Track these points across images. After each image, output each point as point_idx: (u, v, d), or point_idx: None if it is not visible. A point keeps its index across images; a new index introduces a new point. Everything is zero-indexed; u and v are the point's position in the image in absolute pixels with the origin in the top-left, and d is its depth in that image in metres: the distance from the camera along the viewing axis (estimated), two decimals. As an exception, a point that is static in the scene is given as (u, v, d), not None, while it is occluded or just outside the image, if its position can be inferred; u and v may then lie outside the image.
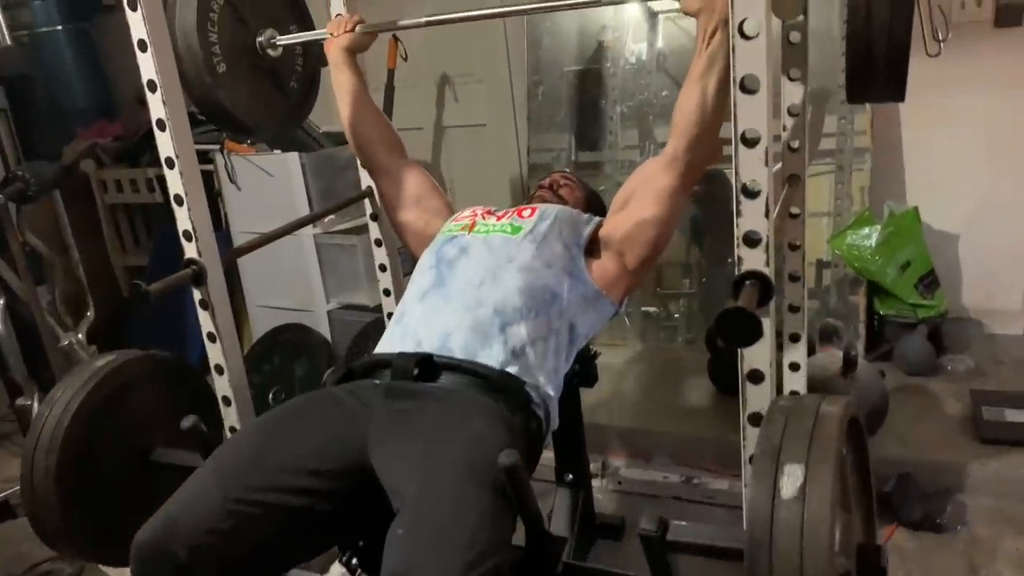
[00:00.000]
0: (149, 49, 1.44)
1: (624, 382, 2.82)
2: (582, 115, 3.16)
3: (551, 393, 1.41)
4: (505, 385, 1.34)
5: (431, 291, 1.49)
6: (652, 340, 3.07)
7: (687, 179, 1.46)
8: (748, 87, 1.08)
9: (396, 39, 3.02)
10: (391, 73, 3.10)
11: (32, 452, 1.41)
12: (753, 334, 1.02)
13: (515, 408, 1.33)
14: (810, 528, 0.84)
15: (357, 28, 1.74)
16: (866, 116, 2.68)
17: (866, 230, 2.65)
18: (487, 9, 1.74)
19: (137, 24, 1.43)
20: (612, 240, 1.55)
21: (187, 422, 1.35)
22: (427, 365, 1.35)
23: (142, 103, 1.52)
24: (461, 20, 1.66)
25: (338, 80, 1.77)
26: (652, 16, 3.03)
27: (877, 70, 1.19)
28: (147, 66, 1.46)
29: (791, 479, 0.87)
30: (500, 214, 1.63)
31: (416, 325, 1.45)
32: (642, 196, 1.51)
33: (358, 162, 1.95)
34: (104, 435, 1.47)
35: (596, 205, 1.81)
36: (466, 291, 1.45)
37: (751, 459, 1.12)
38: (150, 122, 1.50)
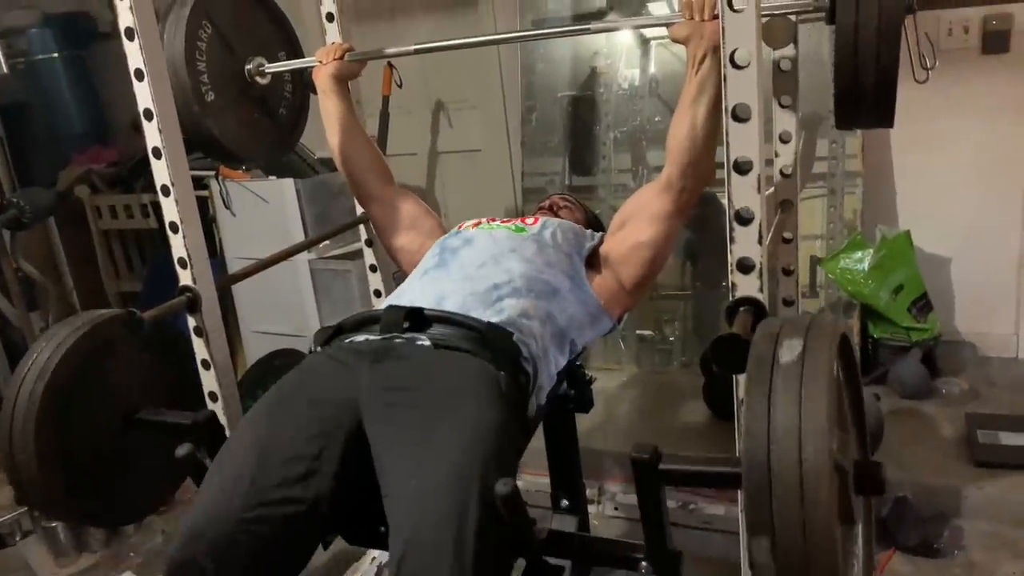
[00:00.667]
0: (146, 78, 1.45)
1: (620, 406, 2.82)
2: (576, 140, 3.19)
3: (541, 358, 1.38)
4: (493, 336, 1.32)
5: (432, 269, 1.53)
6: (647, 364, 3.07)
7: (682, 203, 1.48)
8: (740, 116, 1.09)
9: (391, 66, 3.04)
10: (386, 100, 3.12)
11: (12, 407, 1.36)
12: (747, 360, 1.02)
13: (503, 362, 1.30)
14: (808, 438, 0.81)
15: (346, 56, 1.75)
16: (857, 140, 2.71)
17: (859, 254, 2.66)
18: (477, 36, 1.77)
19: (134, 54, 1.44)
20: (609, 260, 1.57)
21: (182, 450, 1.34)
22: (417, 317, 1.35)
23: (137, 129, 1.53)
24: (450, 48, 1.68)
25: (326, 107, 1.78)
26: (644, 42, 3.06)
27: (865, 98, 1.20)
28: (143, 95, 1.47)
29: (786, 395, 0.85)
30: (504, 220, 1.67)
31: (413, 294, 1.46)
32: (638, 219, 1.53)
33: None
34: (86, 391, 1.43)
35: (595, 225, 1.82)
36: (467, 268, 1.49)
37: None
38: (145, 148, 1.51)
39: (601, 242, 1.62)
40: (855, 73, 1.18)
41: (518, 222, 1.65)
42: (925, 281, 2.71)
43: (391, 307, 1.40)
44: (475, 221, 1.68)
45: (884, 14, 1.14)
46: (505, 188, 3.39)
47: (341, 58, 1.75)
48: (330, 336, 1.45)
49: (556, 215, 1.81)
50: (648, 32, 3.04)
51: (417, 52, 1.67)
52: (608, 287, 1.57)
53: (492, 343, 1.31)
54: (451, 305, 1.39)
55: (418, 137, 3.50)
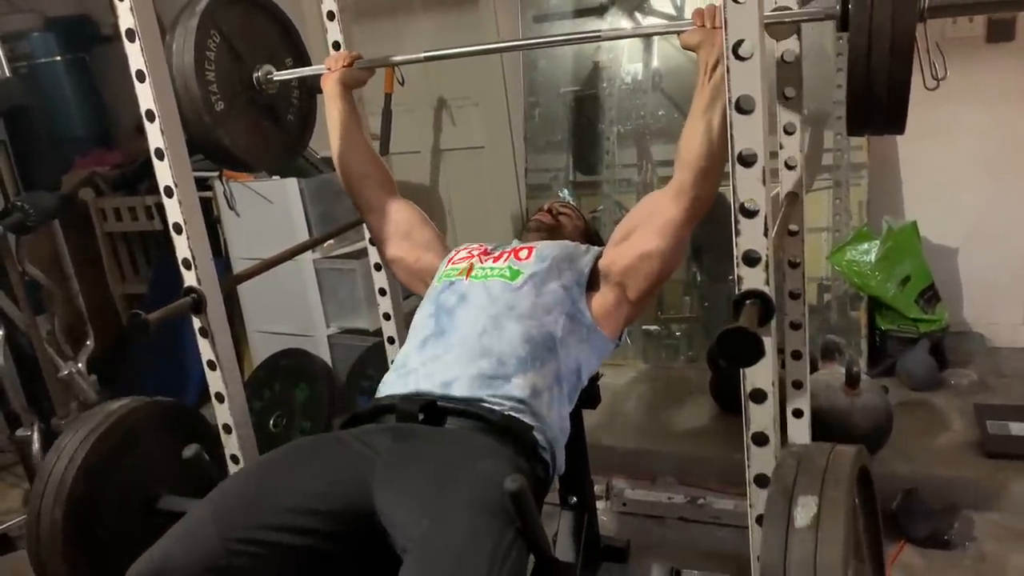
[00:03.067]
0: (147, 79, 1.45)
1: (626, 402, 2.81)
2: (579, 136, 3.18)
3: (558, 436, 1.40)
4: (510, 428, 1.32)
5: (431, 339, 1.47)
6: (653, 359, 3.06)
7: (694, 212, 1.44)
8: (744, 107, 1.08)
9: (393, 64, 3.04)
10: (388, 97, 3.11)
11: (39, 503, 1.41)
12: (755, 354, 1.02)
13: (520, 452, 1.31)
14: (823, 567, 0.82)
15: (355, 63, 1.75)
16: (862, 132, 2.69)
17: (865, 245, 2.65)
18: (486, 44, 1.79)
19: (135, 55, 1.44)
20: (613, 271, 1.53)
21: (189, 451, 1.34)
22: (431, 409, 1.34)
23: (140, 131, 1.53)
24: (459, 55, 1.69)
25: (332, 115, 1.77)
26: (647, 36, 3.05)
27: (878, 105, 1.18)
28: (145, 96, 1.47)
29: (804, 520, 0.85)
30: (497, 255, 1.60)
31: (417, 374, 1.42)
32: (646, 228, 1.48)
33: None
34: (110, 485, 1.48)
35: (594, 237, 1.80)
36: (467, 340, 1.43)
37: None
38: (148, 150, 1.51)
39: (599, 256, 1.57)
40: (867, 81, 1.16)
41: (512, 259, 1.56)
42: (932, 272, 2.70)
43: (405, 399, 1.37)
44: (467, 260, 1.61)
45: (896, 22, 1.12)
46: (509, 185, 3.38)
47: (350, 65, 1.75)
48: (345, 424, 1.43)
49: (556, 218, 1.79)
50: (651, 26, 3.03)
51: (427, 59, 1.68)
52: (608, 302, 1.53)
53: (509, 433, 1.32)
54: (459, 390, 1.36)
55: (421, 135, 3.50)
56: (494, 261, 1.58)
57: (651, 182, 3.04)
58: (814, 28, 2.60)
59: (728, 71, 1.08)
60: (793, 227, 1.69)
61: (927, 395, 2.54)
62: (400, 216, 1.79)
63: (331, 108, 1.77)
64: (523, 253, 1.57)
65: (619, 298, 1.53)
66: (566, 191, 3.19)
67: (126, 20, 1.42)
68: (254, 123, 1.81)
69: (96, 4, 3.84)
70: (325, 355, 3.06)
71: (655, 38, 3.02)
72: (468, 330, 1.44)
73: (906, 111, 1.20)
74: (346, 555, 1.23)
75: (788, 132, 1.64)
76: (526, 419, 1.35)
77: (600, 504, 2.23)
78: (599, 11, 3.09)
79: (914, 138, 2.78)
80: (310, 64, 1.91)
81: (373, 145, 1.90)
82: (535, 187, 3.23)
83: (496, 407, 1.34)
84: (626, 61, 3.08)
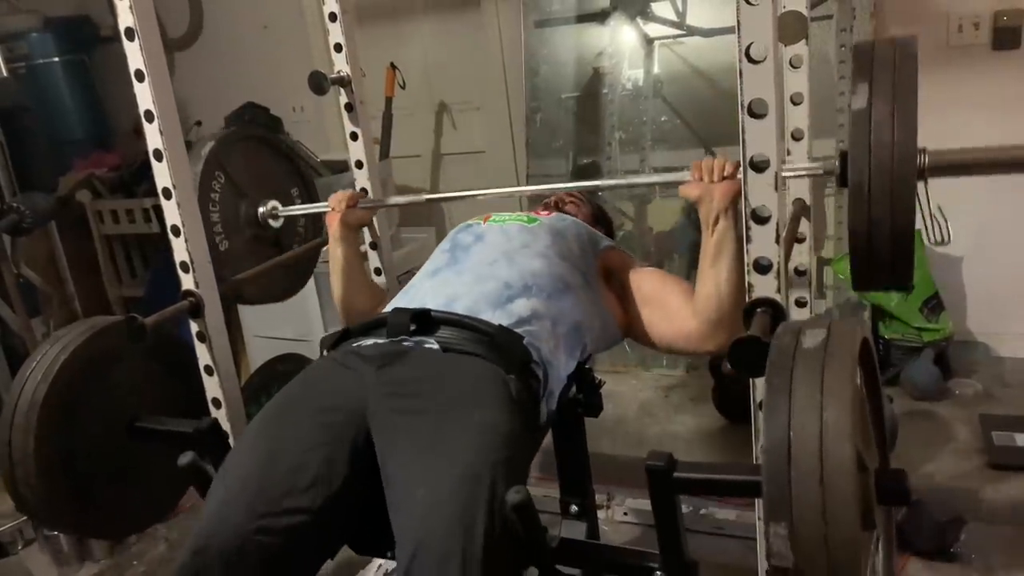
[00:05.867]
0: (146, 79, 1.42)
1: (627, 410, 2.79)
2: (580, 141, 3.16)
3: (551, 362, 1.36)
4: (503, 340, 1.29)
5: (443, 269, 1.50)
6: (653, 366, 3.04)
7: (710, 350, 1.48)
8: (756, 111, 1.06)
9: (394, 67, 3.02)
10: (389, 101, 3.10)
11: (12, 410, 1.35)
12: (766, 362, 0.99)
13: (513, 365, 1.27)
14: (830, 445, 0.79)
15: (359, 203, 1.77)
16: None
17: (869, 253, 2.63)
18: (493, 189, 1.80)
19: (134, 54, 1.42)
20: (628, 298, 1.56)
21: (184, 459, 1.31)
22: (424, 319, 1.33)
23: (138, 133, 1.51)
24: (455, 199, 1.70)
25: (335, 253, 1.77)
26: (648, 43, 3.04)
27: (881, 262, 1.16)
28: (144, 96, 1.44)
29: (807, 400, 0.83)
30: (517, 213, 1.65)
31: (423, 294, 1.44)
32: (669, 319, 1.51)
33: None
34: (86, 398, 1.42)
35: (603, 220, 1.80)
36: (478, 267, 1.46)
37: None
38: (146, 152, 1.48)
39: (617, 253, 1.61)
40: (869, 241, 1.13)
41: (531, 213, 1.62)
42: (936, 281, 2.68)
43: (397, 310, 1.37)
44: (486, 215, 1.65)
45: (896, 179, 1.08)
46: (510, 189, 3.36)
47: (354, 205, 1.77)
48: (336, 340, 1.42)
49: (561, 211, 1.77)
50: (652, 32, 3.01)
51: (428, 201, 1.72)
52: (616, 312, 1.56)
53: (502, 346, 1.28)
54: (462, 307, 1.36)
55: (421, 139, 3.48)
56: (514, 215, 1.62)
57: (652, 189, 3.03)
58: (815, 35, 2.59)
59: (741, 74, 1.06)
60: (801, 234, 1.66)
61: (932, 405, 2.53)
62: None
63: (336, 248, 1.77)
64: (543, 212, 1.63)
65: (625, 316, 1.57)
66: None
67: (125, 19, 1.40)
68: (260, 259, 1.84)
69: (96, 5, 3.83)
70: (323, 360, 3.03)
71: (656, 44, 3.01)
72: (480, 260, 1.48)
73: (911, 270, 1.17)
74: (362, 485, 1.20)
75: (796, 138, 1.62)
76: (520, 331, 1.33)
77: (601, 513, 2.21)
78: (601, 16, 3.08)
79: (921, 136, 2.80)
80: (316, 194, 1.98)
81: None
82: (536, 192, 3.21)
83: (493, 320, 1.33)
84: (627, 67, 3.07)
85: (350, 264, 1.77)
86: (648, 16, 3.01)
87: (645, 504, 2.29)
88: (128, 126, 3.77)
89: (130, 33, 1.40)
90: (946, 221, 1.23)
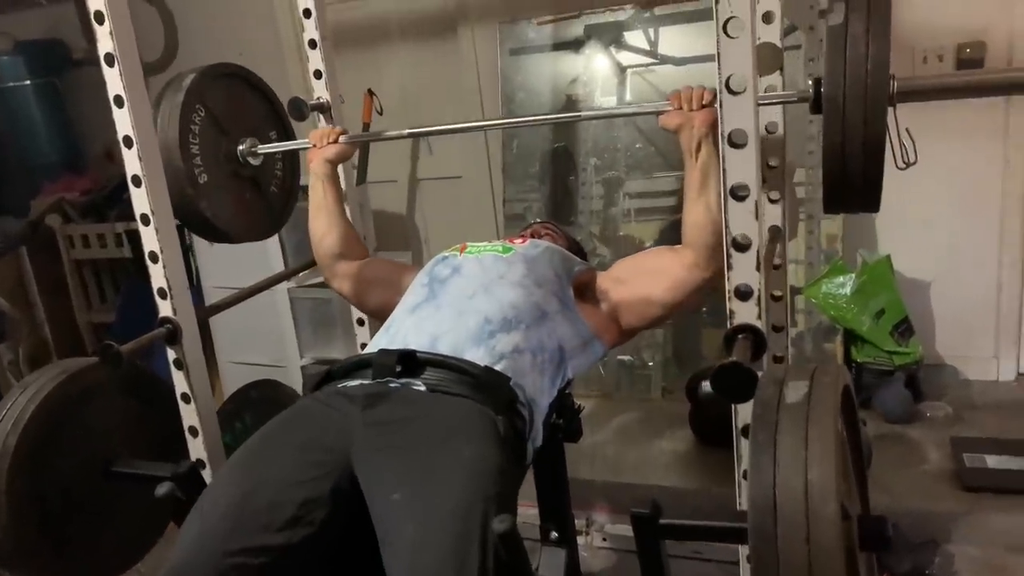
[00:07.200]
0: (126, 105, 1.42)
1: (604, 434, 2.78)
2: (555, 167, 3.18)
3: (536, 399, 1.36)
4: (489, 381, 1.29)
5: (422, 304, 1.49)
6: (627, 390, 3.04)
7: (711, 281, 1.46)
8: (736, 142, 1.08)
9: (371, 93, 3.03)
10: (366, 127, 3.10)
11: None
12: (751, 388, 1.00)
13: (500, 406, 1.27)
14: (816, 505, 0.82)
15: (340, 139, 1.75)
16: (836, 167, 2.73)
17: (841, 279, 2.67)
18: (470, 123, 1.86)
19: (114, 80, 1.41)
20: (609, 299, 1.56)
21: (162, 489, 1.29)
22: (409, 361, 1.32)
23: (110, 157, 1.50)
24: (446, 132, 1.70)
25: (316, 190, 1.77)
26: (621, 71, 3.08)
27: (853, 186, 1.20)
28: (123, 122, 1.43)
29: (792, 457, 0.84)
30: (491, 242, 1.65)
31: (405, 332, 1.43)
32: (658, 277, 1.51)
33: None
34: (61, 441, 1.40)
35: (579, 253, 1.80)
36: (457, 301, 1.45)
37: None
38: (119, 176, 1.47)
39: (589, 271, 1.60)
40: (843, 164, 1.17)
41: (506, 242, 1.63)
42: (906, 305, 2.73)
43: (383, 351, 1.36)
44: (462, 245, 1.65)
45: (868, 107, 1.13)
46: (486, 215, 3.37)
47: (335, 141, 1.75)
48: (319, 382, 1.41)
49: (539, 237, 1.79)
50: (624, 60, 3.06)
51: (411, 136, 1.68)
52: (599, 317, 1.56)
53: (488, 387, 1.29)
54: (445, 346, 1.35)
55: (398, 164, 3.48)
56: (488, 243, 1.63)
57: (627, 213, 3.05)
58: (788, 63, 2.64)
59: (720, 105, 1.08)
60: (776, 261, 1.69)
61: (903, 428, 2.56)
62: (375, 270, 1.79)
63: (316, 185, 1.76)
64: (517, 240, 1.63)
65: (610, 320, 1.56)
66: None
67: (105, 45, 1.39)
68: (237, 195, 1.82)
69: (68, 28, 3.80)
70: (298, 386, 3.00)
71: (628, 72, 3.05)
72: (459, 294, 1.47)
73: (880, 193, 1.22)
74: (341, 527, 1.19)
75: (771, 166, 1.65)
76: (506, 371, 1.33)
77: (581, 539, 2.20)
78: (575, 45, 3.12)
79: (886, 172, 2.86)
80: (294, 138, 1.93)
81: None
82: (512, 217, 3.22)
83: (478, 361, 1.32)
84: (600, 95, 3.10)
85: (333, 200, 1.76)
86: (621, 45, 3.06)
87: (624, 530, 2.29)
88: (99, 150, 3.74)
89: (110, 59, 1.40)
90: (913, 143, 1.27)
